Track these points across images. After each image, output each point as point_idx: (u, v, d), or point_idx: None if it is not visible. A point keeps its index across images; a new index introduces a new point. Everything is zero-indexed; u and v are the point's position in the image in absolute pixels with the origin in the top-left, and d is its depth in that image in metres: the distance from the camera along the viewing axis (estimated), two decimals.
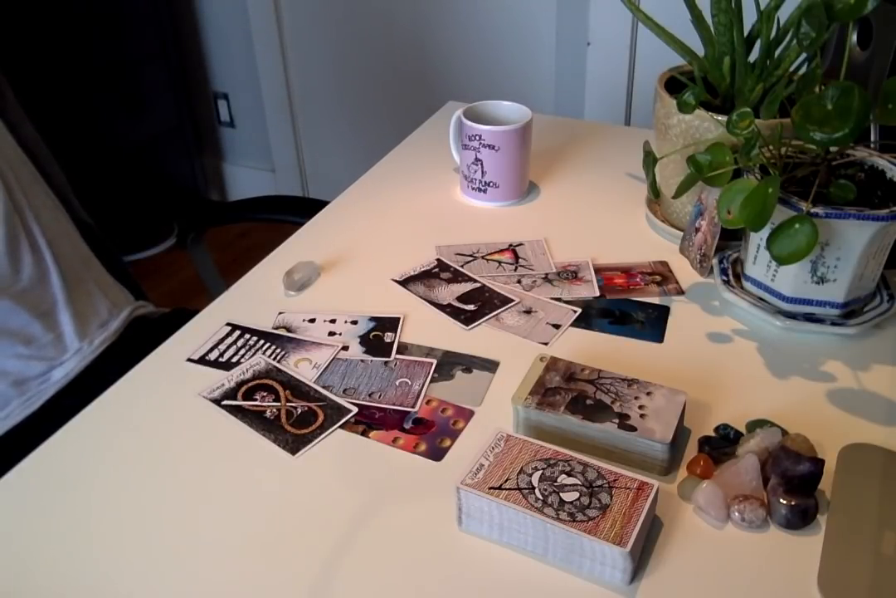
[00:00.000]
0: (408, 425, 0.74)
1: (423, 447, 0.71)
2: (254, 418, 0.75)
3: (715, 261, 0.89)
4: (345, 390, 0.78)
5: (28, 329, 1.04)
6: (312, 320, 0.86)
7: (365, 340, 0.84)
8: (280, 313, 0.88)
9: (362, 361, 0.81)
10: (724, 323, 0.85)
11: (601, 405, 0.69)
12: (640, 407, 0.68)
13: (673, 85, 0.95)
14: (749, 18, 0.88)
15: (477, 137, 1.02)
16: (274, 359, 0.81)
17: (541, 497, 0.61)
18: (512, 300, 0.89)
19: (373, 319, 0.87)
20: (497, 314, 0.87)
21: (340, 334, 0.84)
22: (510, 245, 0.98)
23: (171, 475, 0.69)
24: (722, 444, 0.69)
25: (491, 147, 1.02)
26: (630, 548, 0.57)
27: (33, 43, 2.02)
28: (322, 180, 2.58)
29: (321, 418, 0.75)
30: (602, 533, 0.58)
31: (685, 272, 0.92)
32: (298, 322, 0.86)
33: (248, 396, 0.77)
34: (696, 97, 0.84)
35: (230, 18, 2.39)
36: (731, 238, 0.89)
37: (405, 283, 0.92)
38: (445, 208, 1.07)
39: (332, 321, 0.86)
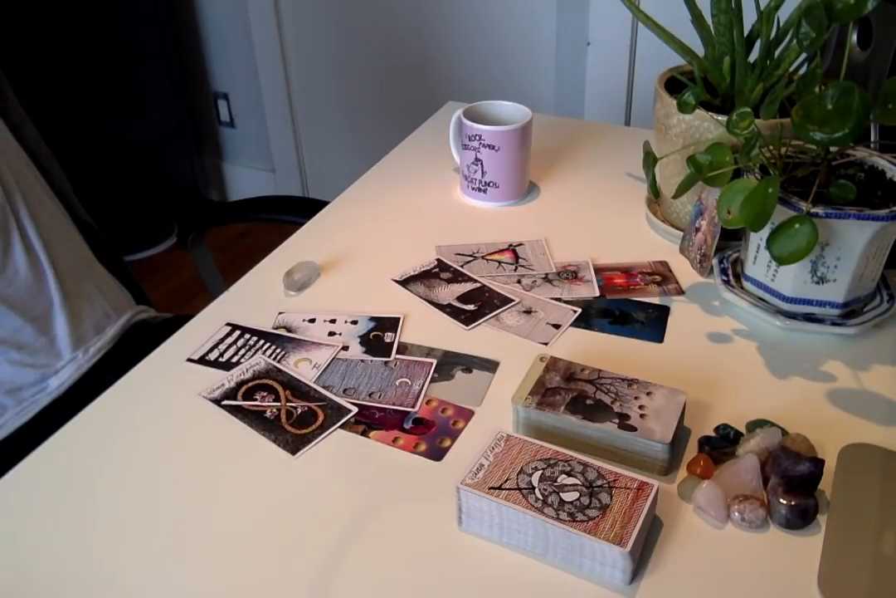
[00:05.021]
0: (408, 425, 0.74)
1: (423, 447, 0.71)
2: (254, 418, 0.75)
3: (715, 261, 0.89)
4: (345, 390, 0.78)
5: (20, 333, 1.03)
6: (312, 320, 0.86)
7: (365, 340, 0.84)
8: (280, 313, 0.88)
9: (362, 361, 0.81)
10: (724, 323, 0.85)
11: (601, 405, 0.69)
12: (640, 407, 0.68)
13: (673, 85, 0.95)
14: (749, 18, 0.88)
15: (477, 137, 1.03)
16: (274, 359, 0.81)
17: (541, 497, 0.61)
18: (512, 300, 0.89)
19: (373, 319, 0.87)
20: (497, 314, 0.87)
21: (340, 334, 0.84)
22: (510, 245, 0.98)
23: (171, 475, 0.69)
24: (722, 444, 0.69)
25: (491, 147, 1.02)
26: (630, 548, 0.57)
27: (34, 43, 2.02)
28: (322, 180, 2.59)
29: (321, 418, 0.75)
30: (602, 533, 0.58)
31: (685, 272, 0.92)
32: (298, 322, 0.86)
33: (248, 396, 0.77)
34: (696, 97, 0.84)
35: (230, 18, 2.39)
36: (731, 238, 0.89)
37: (405, 283, 0.92)
38: (445, 208, 1.07)
39: (332, 321, 0.86)
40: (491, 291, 0.90)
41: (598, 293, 0.90)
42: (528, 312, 0.87)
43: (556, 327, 0.85)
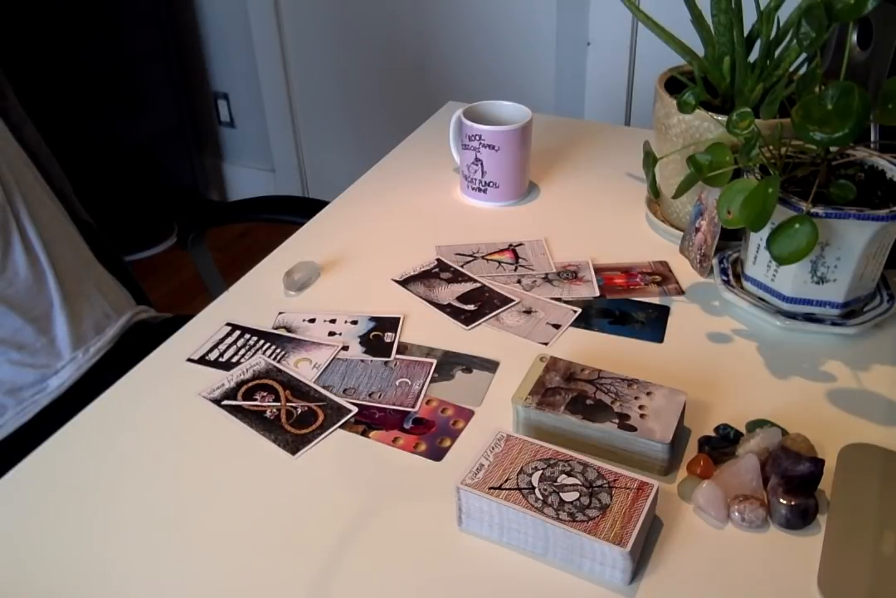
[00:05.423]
0: (408, 425, 0.74)
1: (423, 447, 0.71)
2: (254, 418, 0.75)
3: (715, 261, 0.89)
4: (345, 390, 0.78)
5: (20, 334, 1.03)
6: (312, 320, 0.86)
7: (365, 340, 0.84)
8: (280, 313, 0.88)
9: (362, 361, 0.81)
10: (724, 323, 0.85)
11: (601, 405, 0.69)
12: (640, 407, 0.68)
13: (673, 85, 0.95)
14: (749, 18, 0.88)
15: (477, 137, 1.02)
16: (274, 359, 0.81)
17: (541, 497, 0.61)
18: (512, 300, 0.89)
19: (373, 319, 0.87)
20: (497, 314, 0.87)
21: (340, 334, 0.84)
22: (510, 245, 0.98)
23: (171, 475, 0.69)
24: (722, 444, 0.69)
25: (491, 147, 1.02)
26: (630, 548, 0.57)
27: (34, 43, 2.02)
28: (322, 180, 2.59)
29: (321, 418, 0.75)
30: (602, 533, 0.58)
31: (685, 272, 0.92)
32: (298, 322, 0.86)
33: (248, 396, 0.77)
34: (696, 97, 0.84)
35: (230, 18, 2.39)
36: (731, 238, 0.89)
37: (405, 283, 0.92)
38: (445, 208, 1.07)
39: (332, 321, 0.86)
40: (491, 292, 0.90)
41: (598, 293, 0.90)
42: (528, 312, 0.87)
43: (556, 327, 0.85)
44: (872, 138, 0.88)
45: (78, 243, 1.16)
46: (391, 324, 0.86)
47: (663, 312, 0.87)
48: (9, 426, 1.02)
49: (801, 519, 0.63)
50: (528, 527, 0.60)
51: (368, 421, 0.74)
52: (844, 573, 0.59)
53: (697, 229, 0.88)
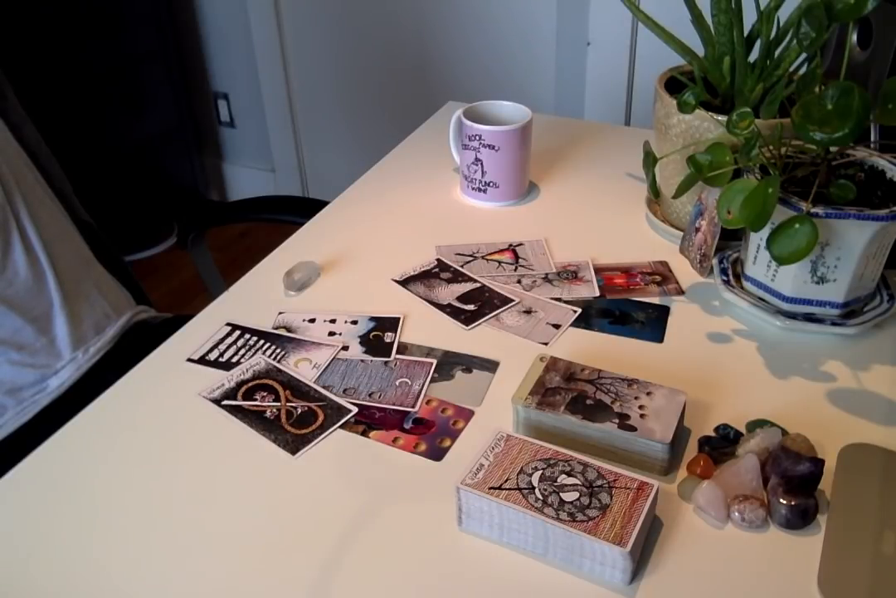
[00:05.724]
0: (408, 425, 0.74)
1: (423, 447, 0.71)
2: (254, 418, 0.75)
3: (715, 261, 0.89)
4: (345, 390, 0.78)
5: (20, 334, 1.03)
6: (312, 320, 0.86)
7: (365, 340, 0.84)
8: (280, 313, 0.88)
9: (362, 361, 0.81)
10: (724, 323, 0.85)
11: (601, 405, 0.69)
12: (640, 407, 0.68)
13: (673, 85, 0.95)
14: (749, 18, 0.88)
15: (477, 137, 1.03)
16: (274, 359, 0.81)
17: (541, 497, 0.61)
18: (512, 300, 0.89)
19: (373, 319, 0.87)
20: (497, 314, 0.87)
21: (340, 334, 0.84)
22: (510, 245, 0.98)
23: (171, 475, 0.69)
24: (722, 444, 0.69)
25: (491, 147, 1.02)
26: (630, 548, 0.57)
27: (33, 43, 2.02)
28: (322, 180, 2.59)
29: (321, 418, 0.75)
30: (602, 533, 0.58)
31: (685, 272, 0.92)
32: (298, 322, 0.86)
33: (248, 396, 0.77)
34: (696, 97, 0.84)
35: (230, 18, 2.40)
36: (731, 238, 0.89)
37: (405, 283, 0.92)
38: (445, 208, 1.07)
39: (332, 321, 0.86)
40: (491, 292, 0.90)
41: (598, 293, 0.90)
42: (528, 312, 0.87)
43: (556, 327, 0.85)
44: (872, 138, 0.88)
45: (78, 243, 1.16)
46: (391, 324, 0.86)
47: (663, 312, 0.87)
48: (9, 426, 1.02)
49: (801, 519, 0.63)
50: (528, 527, 0.60)
51: (368, 421, 0.74)
52: (844, 573, 0.59)
53: (697, 229, 0.88)
